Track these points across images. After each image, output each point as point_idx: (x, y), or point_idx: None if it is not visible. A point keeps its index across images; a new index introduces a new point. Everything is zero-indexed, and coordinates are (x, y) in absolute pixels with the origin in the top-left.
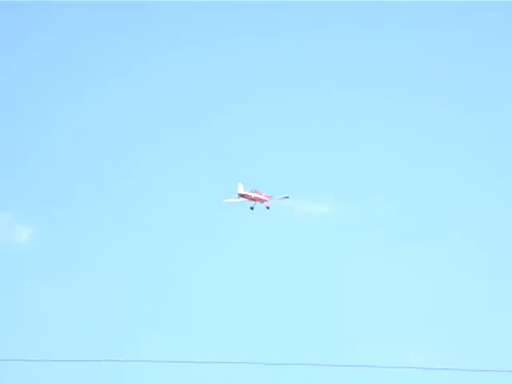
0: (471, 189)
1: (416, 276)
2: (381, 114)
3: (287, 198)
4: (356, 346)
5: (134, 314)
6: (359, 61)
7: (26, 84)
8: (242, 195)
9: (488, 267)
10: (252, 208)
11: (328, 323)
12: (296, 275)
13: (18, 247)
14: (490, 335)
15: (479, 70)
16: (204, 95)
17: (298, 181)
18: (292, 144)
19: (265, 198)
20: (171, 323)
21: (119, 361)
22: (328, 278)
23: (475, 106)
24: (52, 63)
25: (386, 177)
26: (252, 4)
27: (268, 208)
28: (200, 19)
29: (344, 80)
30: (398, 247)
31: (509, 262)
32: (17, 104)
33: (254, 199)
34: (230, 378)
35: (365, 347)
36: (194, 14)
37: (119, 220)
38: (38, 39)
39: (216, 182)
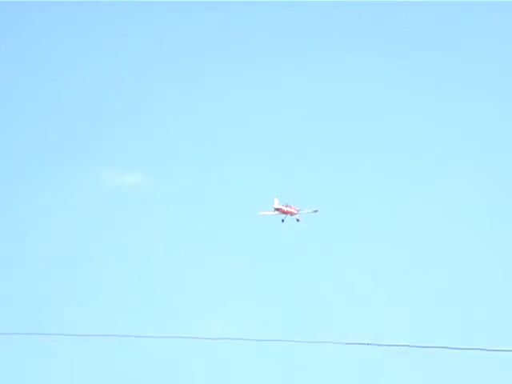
0: None
1: (221, 247)
2: None
3: (316, 211)
4: (156, 316)
5: None
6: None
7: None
8: (276, 209)
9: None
10: (283, 220)
11: (133, 292)
12: (107, 244)
13: None
14: (288, 306)
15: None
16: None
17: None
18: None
19: (295, 211)
20: None
21: None
22: (132, 246)
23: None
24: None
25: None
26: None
27: (298, 221)
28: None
29: None
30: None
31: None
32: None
33: (286, 213)
34: None
35: (163, 317)
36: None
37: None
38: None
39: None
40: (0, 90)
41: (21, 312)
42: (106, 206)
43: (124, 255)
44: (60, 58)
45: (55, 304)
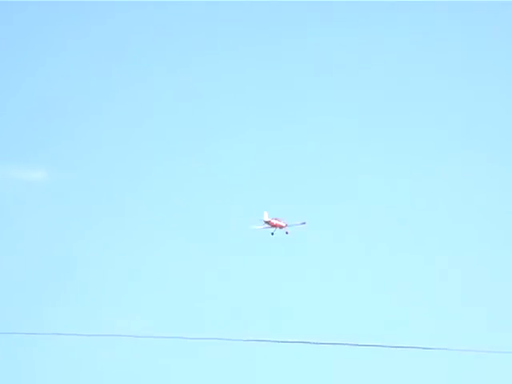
0: None
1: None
2: None
3: (304, 223)
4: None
5: None
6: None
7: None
8: (266, 222)
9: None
10: (272, 233)
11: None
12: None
13: None
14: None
15: None
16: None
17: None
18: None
19: (283, 224)
20: None
21: None
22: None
23: None
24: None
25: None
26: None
27: (287, 233)
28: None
29: None
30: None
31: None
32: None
33: (275, 226)
34: None
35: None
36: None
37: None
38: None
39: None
40: None
41: None
42: (10, 202)
43: (33, 251)
44: None
45: None
